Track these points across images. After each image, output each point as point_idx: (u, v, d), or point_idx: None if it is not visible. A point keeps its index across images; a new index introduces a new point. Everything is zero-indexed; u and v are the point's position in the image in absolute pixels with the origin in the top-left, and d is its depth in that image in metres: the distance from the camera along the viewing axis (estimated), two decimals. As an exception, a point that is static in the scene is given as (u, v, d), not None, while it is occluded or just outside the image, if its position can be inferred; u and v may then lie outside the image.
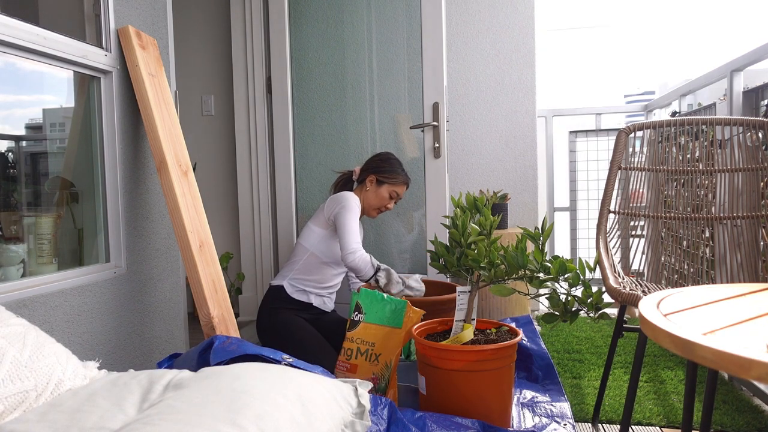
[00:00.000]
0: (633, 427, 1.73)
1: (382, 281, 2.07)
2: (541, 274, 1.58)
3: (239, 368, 1.19)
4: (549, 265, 1.57)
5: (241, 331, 2.21)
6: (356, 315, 1.84)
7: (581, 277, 1.55)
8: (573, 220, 3.30)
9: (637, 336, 1.54)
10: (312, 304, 2.25)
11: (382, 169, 2.35)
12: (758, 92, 1.98)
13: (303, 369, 1.37)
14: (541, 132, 3.30)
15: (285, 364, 1.39)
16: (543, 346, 2.19)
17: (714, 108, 2.34)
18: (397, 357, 1.78)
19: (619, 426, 1.71)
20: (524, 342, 2.14)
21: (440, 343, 1.61)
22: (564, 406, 1.77)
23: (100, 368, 1.29)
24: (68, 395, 1.08)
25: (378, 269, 2.07)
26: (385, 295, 1.86)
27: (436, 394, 1.61)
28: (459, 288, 1.70)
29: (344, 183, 2.46)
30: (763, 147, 1.69)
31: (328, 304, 2.33)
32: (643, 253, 1.79)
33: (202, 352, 1.46)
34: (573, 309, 1.57)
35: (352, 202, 2.21)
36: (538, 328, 2.69)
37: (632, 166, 1.80)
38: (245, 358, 1.41)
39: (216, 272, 1.96)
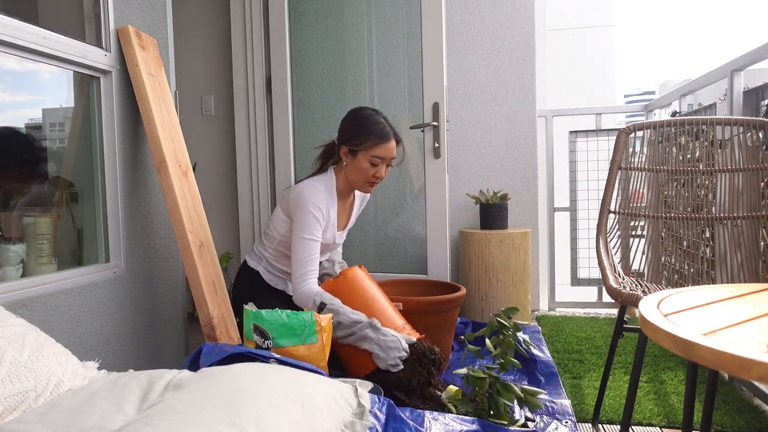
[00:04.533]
0: (633, 427, 1.72)
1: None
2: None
3: (238, 368, 1.19)
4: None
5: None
6: (262, 341, 1.57)
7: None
8: (573, 220, 3.30)
9: (638, 336, 1.54)
10: (291, 295, 2.04)
11: (350, 134, 1.94)
12: (758, 92, 1.98)
13: (298, 367, 1.37)
14: (541, 132, 3.30)
15: (274, 361, 1.39)
16: (548, 354, 2.19)
17: (714, 108, 2.34)
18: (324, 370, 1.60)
19: (619, 426, 1.71)
20: (530, 349, 2.14)
21: None
22: (565, 404, 1.77)
23: (99, 368, 1.29)
24: (68, 395, 1.07)
25: (321, 308, 1.75)
26: (284, 312, 1.59)
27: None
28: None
29: (328, 156, 2.07)
30: (764, 147, 1.69)
31: None
32: (643, 253, 1.79)
33: (193, 361, 1.46)
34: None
35: (308, 214, 1.85)
36: (538, 328, 2.69)
37: (632, 166, 1.80)
38: (234, 358, 1.41)
39: (216, 272, 1.95)
